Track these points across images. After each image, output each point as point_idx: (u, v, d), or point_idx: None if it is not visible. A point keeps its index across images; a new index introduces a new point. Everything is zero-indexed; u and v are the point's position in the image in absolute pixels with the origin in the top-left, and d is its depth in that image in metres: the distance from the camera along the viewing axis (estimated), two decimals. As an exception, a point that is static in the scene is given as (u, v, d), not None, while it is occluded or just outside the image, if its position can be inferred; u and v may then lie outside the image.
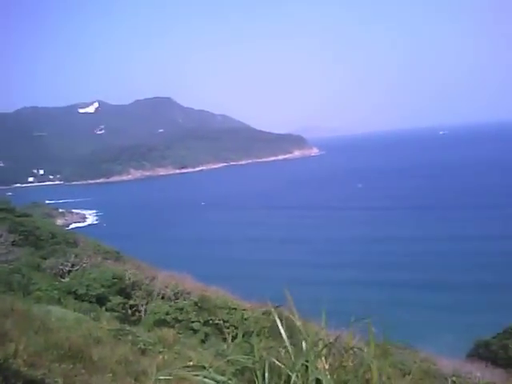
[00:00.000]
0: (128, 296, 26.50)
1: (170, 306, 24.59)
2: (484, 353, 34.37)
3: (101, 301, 24.74)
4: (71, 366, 7.46)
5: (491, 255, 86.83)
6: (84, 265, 28.93)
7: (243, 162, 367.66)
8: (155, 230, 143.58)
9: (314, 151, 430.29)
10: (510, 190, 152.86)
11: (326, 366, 3.98)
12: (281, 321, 4.36)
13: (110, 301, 24.82)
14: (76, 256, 30.26)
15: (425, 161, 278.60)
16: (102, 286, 25.41)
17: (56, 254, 31.79)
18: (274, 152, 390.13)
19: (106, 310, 23.54)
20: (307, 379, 3.76)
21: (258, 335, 4.24)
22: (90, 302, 23.94)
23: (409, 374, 4.49)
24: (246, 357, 4.11)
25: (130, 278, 27.95)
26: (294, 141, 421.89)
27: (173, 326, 21.65)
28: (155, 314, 23.93)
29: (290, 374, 3.75)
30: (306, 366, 3.81)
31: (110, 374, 7.76)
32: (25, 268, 25.49)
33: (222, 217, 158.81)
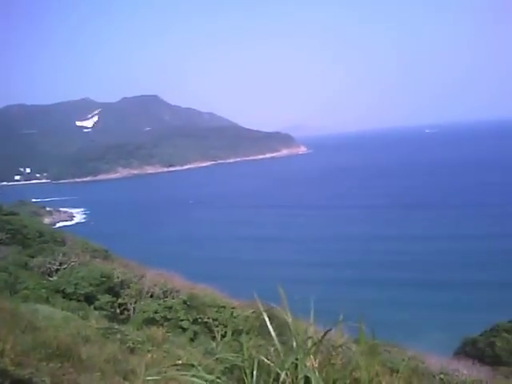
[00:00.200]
0: (116, 295, 26.41)
1: (159, 305, 24.53)
2: (471, 350, 34.65)
3: (89, 299, 24.64)
4: (59, 364, 7.41)
5: (485, 253, 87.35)
6: (72, 263, 28.78)
7: (231, 161, 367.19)
8: (143, 228, 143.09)
9: (302, 150, 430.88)
10: (503, 189, 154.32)
11: (315, 364, 4.00)
12: (271, 319, 4.38)
13: (98, 299, 24.73)
14: (64, 254, 30.10)
15: (413, 159, 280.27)
16: (91, 284, 25.31)
17: (44, 252, 31.62)
18: (261, 150, 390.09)
19: (95, 308, 23.46)
20: (296, 377, 3.77)
21: (247, 333, 4.25)
22: (79, 300, 23.84)
23: (397, 372, 4.49)
24: (235, 355, 4.12)
25: (118, 277, 27.85)
26: (281, 139, 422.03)
27: (162, 325, 21.58)
28: (144, 312, 23.87)
29: (279, 371, 3.77)
30: (296, 364, 3.82)
31: (99, 373, 7.73)
32: (12, 267, 25.33)
33: (210, 215, 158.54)
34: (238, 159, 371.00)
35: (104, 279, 26.34)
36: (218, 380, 3.98)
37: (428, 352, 25.17)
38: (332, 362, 4.14)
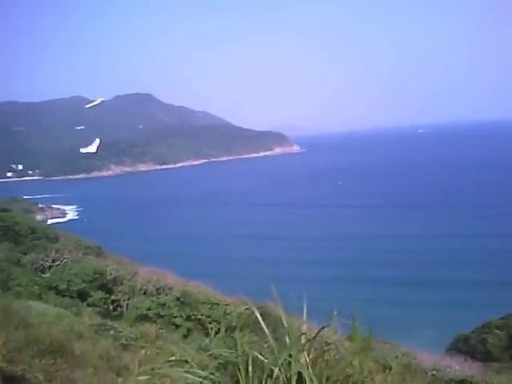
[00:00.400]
0: (110, 291, 26.38)
1: (152, 302, 24.50)
2: (463, 347, 34.89)
3: (82, 296, 24.61)
4: (52, 361, 7.39)
5: (479, 252, 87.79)
6: (65, 260, 28.73)
7: (224, 159, 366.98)
8: (135, 226, 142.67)
9: (295, 148, 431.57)
10: (497, 189, 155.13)
11: (309, 360, 4.03)
12: (265, 316, 4.40)
13: (91, 296, 24.70)
14: (57, 251, 30.04)
15: (404, 159, 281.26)
16: (84, 281, 25.26)
17: (36, 249, 31.51)
18: (254, 149, 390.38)
19: (88, 305, 23.43)
20: (289, 373, 3.79)
21: (240, 330, 4.27)
22: (71, 297, 23.80)
23: (389, 369, 4.53)
24: (229, 351, 4.14)
25: (111, 274, 27.81)
26: (274, 138, 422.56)
27: (155, 321, 21.58)
28: (137, 309, 23.84)
29: (273, 368, 3.79)
30: (289, 360, 3.84)
31: (92, 369, 7.72)
32: (4, 263, 25.25)
33: (202, 213, 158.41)
34: (231, 158, 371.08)
35: (97, 276, 26.30)
36: (212, 376, 4.00)
37: (421, 349, 25.30)
38: (325, 358, 4.17)
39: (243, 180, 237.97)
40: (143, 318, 22.53)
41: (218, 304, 25.45)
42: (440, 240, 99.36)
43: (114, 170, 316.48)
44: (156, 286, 27.78)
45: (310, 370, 3.79)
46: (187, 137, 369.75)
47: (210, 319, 23.57)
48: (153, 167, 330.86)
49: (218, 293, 29.79)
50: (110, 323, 14.18)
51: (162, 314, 23.51)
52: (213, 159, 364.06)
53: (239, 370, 3.94)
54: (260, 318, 4.38)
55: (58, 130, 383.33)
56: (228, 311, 24.33)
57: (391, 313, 60.98)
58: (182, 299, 24.83)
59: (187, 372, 4.07)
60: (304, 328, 4.39)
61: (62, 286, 24.23)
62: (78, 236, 49.71)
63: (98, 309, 23.19)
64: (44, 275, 26.92)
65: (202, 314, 24.04)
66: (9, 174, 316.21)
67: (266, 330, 4.32)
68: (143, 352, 10.93)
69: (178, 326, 22.85)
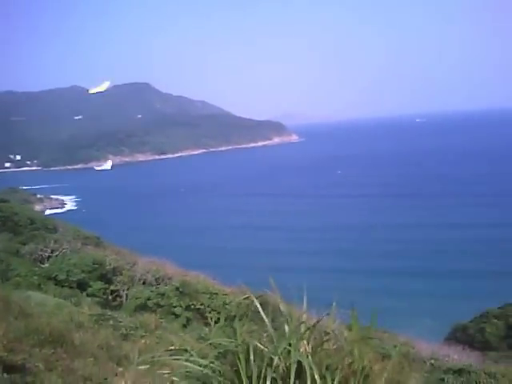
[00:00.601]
0: (109, 281, 26.41)
1: (152, 292, 24.57)
2: (461, 336, 35.06)
3: (81, 286, 24.64)
4: (52, 350, 7.42)
5: (479, 242, 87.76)
6: (64, 250, 28.73)
7: (223, 149, 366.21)
8: (134, 216, 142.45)
9: (294, 138, 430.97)
10: (498, 178, 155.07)
11: (308, 349, 4.04)
12: (264, 306, 4.40)
13: (90, 286, 24.74)
14: (55, 242, 30.03)
15: (403, 148, 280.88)
16: (83, 271, 25.29)
17: (35, 239, 31.52)
18: (253, 138, 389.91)
19: (87, 295, 23.48)
20: (289, 362, 3.80)
21: (240, 319, 4.27)
22: (71, 287, 23.84)
23: (388, 358, 4.55)
24: (229, 340, 4.15)
25: (110, 264, 27.82)
26: (273, 127, 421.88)
27: (154, 311, 21.64)
28: (136, 299, 23.90)
29: (273, 356, 3.80)
30: (289, 349, 3.85)
31: (92, 359, 7.75)
32: (3, 254, 25.27)
33: (201, 204, 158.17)
34: (230, 147, 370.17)
35: (96, 266, 26.33)
36: (212, 364, 4.01)
37: (419, 338, 25.41)
38: (325, 347, 4.18)
39: (242, 170, 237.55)
40: (143, 308, 22.60)
41: (217, 294, 25.52)
42: (439, 230, 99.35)
43: (113, 160, 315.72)
44: (155, 275, 27.83)
45: (310, 358, 3.80)
46: (186, 126, 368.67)
47: (210, 309, 23.65)
48: (151, 157, 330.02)
49: (217, 283, 29.84)
50: (109, 313, 14.23)
51: (161, 303, 23.58)
52: (211, 149, 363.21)
53: (239, 358, 3.94)
54: (260, 307, 4.39)
55: (56, 120, 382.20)
56: (227, 301, 24.40)
57: (390, 302, 60.99)
58: (181, 289, 24.89)
59: (187, 361, 4.08)
60: (303, 317, 4.40)
61: (62, 277, 24.27)
62: (77, 226, 49.68)
63: (97, 299, 23.25)
64: (43, 265, 26.95)
65: (201, 304, 24.11)
66: (7, 165, 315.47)
67: (266, 318, 4.33)
68: (143, 341, 10.97)
69: (177, 316, 22.92)
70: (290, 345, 3.86)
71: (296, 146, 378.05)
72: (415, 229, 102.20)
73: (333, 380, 3.76)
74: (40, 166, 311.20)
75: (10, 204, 45.71)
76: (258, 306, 4.38)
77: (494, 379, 14.03)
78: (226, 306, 23.35)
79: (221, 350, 4.14)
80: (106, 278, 26.57)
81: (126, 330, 11.98)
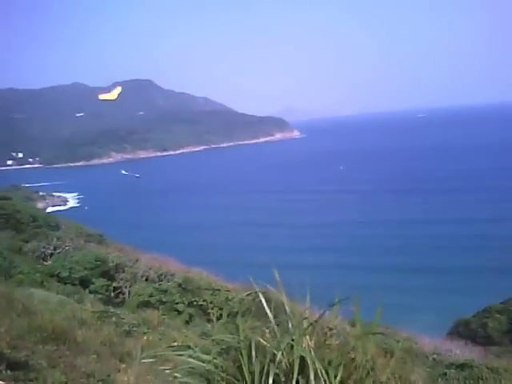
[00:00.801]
0: (111, 278, 26.42)
1: (154, 288, 24.59)
2: (464, 331, 35.08)
3: (84, 283, 24.65)
4: (55, 347, 7.44)
5: (477, 238, 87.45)
6: (66, 248, 28.74)
7: (224, 145, 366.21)
8: (136, 213, 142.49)
9: (296, 134, 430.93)
10: (497, 173, 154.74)
11: (311, 345, 4.04)
12: (266, 302, 4.40)
13: (93, 283, 24.75)
14: (58, 239, 30.03)
15: (405, 144, 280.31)
16: (85, 268, 25.29)
17: (38, 237, 31.52)
18: (255, 135, 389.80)
19: (90, 292, 23.48)
20: (292, 357, 3.80)
21: (242, 316, 4.27)
22: (73, 284, 23.85)
23: (391, 353, 4.56)
24: (231, 336, 4.15)
25: (113, 261, 27.84)
26: (275, 123, 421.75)
27: (157, 308, 21.70)
28: (139, 295, 23.93)
29: (275, 352, 3.80)
30: (291, 345, 3.85)
31: (95, 356, 7.76)
32: (6, 251, 25.26)
33: (202, 200, 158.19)
34: (232, 144, 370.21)
35: (99, 263, 26.33)
36: (214, 360, 4.01)
37: (422, 333, 25.43)
38: (328, 342, 4.18)
39: (244, 167, 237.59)
40: (145, 305, 22.64)
41: (219, 290, 25.55)
42: (439, 225, 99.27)
43: (115, 157, 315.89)
44: (158, 272, 27.83)
45: (313, 353, 3.80)
46: (188, 123, 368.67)
47: (212, 305, 23.67)
48: (153, 154, 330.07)
49: (219, 279, 29.87)
50: (112, 310, 14.25)
51: (163, 300, 23.61)
52: (213, 145, 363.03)
53: (241, 354, 3.95)
54: (264, 302, 4.40)
55: (58, 117, 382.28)
56: (230, 297, 24.43)
57: (392, 298, 60.99)
58: (183, 285, 24.93)
59: (190, 357, 4.08)
60: (306, 313, 4.40)
61: (64, 274, 24.29)
62: (80, 224, 49.70)
63: (100, 296, 23.25)
64: (46, 263, 26.98)
65: (203, 300, 24.14)
66: (9, 162, 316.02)
67: (270, 314, 4.34)
68: (146, 338, 10.99)
69: (179, 312, 22.95)
70: (292, 340, 3.87)
71: (298, 142, 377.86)
72: (416, 224, 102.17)
73: (336, 375, 3.76)
74: (42, 163, 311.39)
75: (13, 201, 45.70)
76: (263, 301, 4.39)
77: (496, 374, 14.05)
78: (229, 303, 23.39)
79: (223, 346, 4.15)
80: (108, 275, 26.58)
81: (129, 326, 12.01)
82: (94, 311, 12.91)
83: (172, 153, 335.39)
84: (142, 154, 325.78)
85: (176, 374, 4.16)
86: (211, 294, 24.81)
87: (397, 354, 4.74)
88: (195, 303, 23.96)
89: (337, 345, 4.19)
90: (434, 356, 18.88)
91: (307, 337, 4.06)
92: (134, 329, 11.98)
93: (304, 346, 3.95)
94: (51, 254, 28.06)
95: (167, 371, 4.65)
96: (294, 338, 3.90)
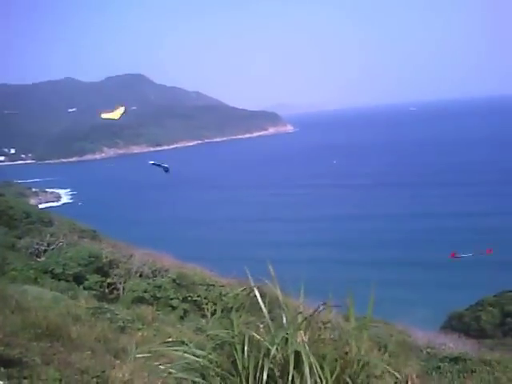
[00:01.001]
0: (105, 274, 26.36)
1: (148, 284, 24.57)
2: (457, 324, 35.33)
3: (78, 279, 24.59)
4: (49, 344, 7.42)
5: (472, 231, 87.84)
6: (60, 244, 28.65)
7: (218, 140, 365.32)
8: (130, 209, 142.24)
9: (289, 128, 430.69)
10: (488, 167, 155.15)
11: (305, 339, 4.05)
12: (261, 296, 4.40)
13: (87, 279, 24.70)
14: (51, 235, 29.94)
15: (397, 137, 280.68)
16: (79, 264, 25.23)
17: (31, 233, 31.43)
18: (248, 129, 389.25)
19: (84, 288, 23.43)
20: (286, 352, 3.81)
21: (237, 311, 4.27)
22: (67, 280, 23.78)
23: (385, 347, 4.58)
24: (226, 331, 4.15)
25: (107, 257, 27.77)
26: (268, 118, 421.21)
27: (151, 304, 21.68)
28: (133, 291, 23.90)
29: (270, 347, 3.80)
30: (286, 339, 3.86)
31: (89, 352, 7.74)
32: (-1, 248, 25.17)
33: (196, 196, 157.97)
34: (225, 138, 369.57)
35: (92, 259, 26.27)
36: (209, 356, 4.02)
37: (415, 327, 25.55)
38: (322, 337, 4.19)
39: (237, 161, 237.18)
40: (140, 301, 22.61)
41: (214, 285, 25.57)
42: (433, 219, 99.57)
43: (107, 152, 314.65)
44: (152, 268, 27.79)
45: (307, 348, 3.80)
46: (181, 118, 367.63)
47: (207, 300, 23.69)
48: (146, 149, 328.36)
49: (214, 274, 29.88)
50: (106, 306, 14.23)
51: (158, 296, 23.60)
52: (206, 140, 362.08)
53: (236, 349, 3.95)
54: (259, 297, 4.40)
55: (50, 113, 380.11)
56: (224, 292, 24.46)
57: (386, 292, 61.15)
58: (178, 281, 24.92)
59: (184, 352, 4.09)
60: (301, 308, 4.41)
61: (58, 270, 24.21)
62: (73, 220, 49.55)
63: (94, 292, 23.22)
64: (39, 259, 26.89)
65: (198, 296, 24.16)
66: (1, 158, 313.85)
67: (264, 309, 4.34)
68: (140, 334, 10.98)
69: (174, 308, 22.96)
70: (287, 335, 3.87)
71: (291, 136, 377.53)
72: (409, 218, 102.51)
73: (330, 369, 3.77)
74: (35, 159, 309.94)
75: (5, 198, 45.55)
76: (258, 296, 4.39)
77: (489, 366, 14.14)
78: (223, 298, 23.40)
79: (218, 342, 4.15)
80: (102, 271, 26.52)
81: (123, 322, 11.99)
82: (88, 307, 12.88)
83: (165, 148, 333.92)
84: (135, 149, 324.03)
85: (171, 370, 4.16)
86: (206, 290, 24.83)
87: (390, 347, 4.76)
88: (190, 299, 23.97)
89: (331, 339, 4.20)
90: (428, 349, 18.99)
91: (302, 331, 4.07)
92: (129, 325, 11.96)
93: (298, 340, 3.96)
94: (45, 251, 27.97)
95: (162, 367, 4.65)
96: (288, 332, 3.91)
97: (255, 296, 4.44)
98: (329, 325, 4.35)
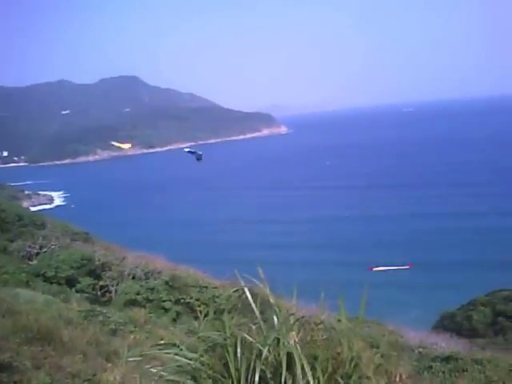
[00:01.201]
0: (98, 277, 26.27)
1: (141, 286, 24.49)
2: (449, 324, 35.45)
3: (70, 282, 24.49)
4: (40, 348, 7.37)
5: (469, 232, 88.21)
6: (52, 247, 28.53)
7: (212, 141, 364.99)
8: (122, 211, 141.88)
9: (283, 129, 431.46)
10: (486, 167, 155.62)
11: (297, 340, 4.03)
12: (253, 298, 4.39)
13: (79, 282, 24.60)
14: (44, 238, 29.81)
15: (391, 138, 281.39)
16: (71, 267, 25.12)
17: (23, 236, 31.26)
18: (242, 131, 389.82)
19: (76, 291, 23.33)
20: (278, 353, 3.80)
21: (229, 312, 4.25)
22: (59, 283, 23.68)
23: (377, 347, 4.58)
24: (218, 333, 4.13)
25: (99, 259, 27.68)
26: (262, 119, 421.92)
27: (144, 306, 21.61)
28: (126, 294, 23.82)
29: (262, 348, 3.79)
30: (278, 340, 3.85)
31: (81, 355, 7.70)
32: (-10, 251, 25.04)
33: (189, 198, 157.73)
34: (219, 140, 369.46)
35: (85, 262, 26.16)
36: (201, 358, 4.00)
37: (407, 327, 25.59)
38: (314, 338, 4.18)
39: (231, 162, 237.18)
40: (132, 303, 22.54)
41: (206, 287, 25.52)
42: (430, 220, 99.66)
43: (101, 154, 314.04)
44: (144, 270, 27.70)
45: (299, 349, 3.79)
46: (174, 119, 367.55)
47: (199, 302, 23.66)
48: (140, 151, 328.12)
49: (207, 276, 29.82)
50: (98, 309, 14.16)
51: (150, 298, 23.53)
52: (200, 142, 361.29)
53: (228, 351, 3.94)
54: (251, 298, 4.39)
55: (43, 115, 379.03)
56: (217, 294, 24.41)
57: (379, 293, 61.27)
58: (170, 283, 24.86)
59: (176, 355, 4.07)
60: (293, 309, 4.40)
61: (50, 273, 24.10)
62: (65, 222, 49.32)
63: (86, 295, 23.11)
64: (31, 262, 26.77)
65: (190, 298, 24.11)
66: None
67: (256, 310, 4.33)
68: (132, 337, 10.94)
69: (167, 310, 22.90)
70: (279, 336, 3.86)
71: (285, 137, 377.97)
72: (405, 219, 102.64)
73: (322, 370, 3.76)
74: (27, 161, 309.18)
75: (-3, 201, 45.30)
76: (250, 297, 4.38)
77: (480, 365, 14.19)
78: (216, 299, 23.34)
79: (210, 344, 4.13)
80: (94, 274, 26.43)
81: (116, 325, 11.94)
82: (81, 310, 12.82)
83: (159, 149, 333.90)
84: (129, 151, 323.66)
85: (163, 373, 4.14)
86: (198, 291, 24.78)
87: (382, 348, 4.77)
88: (182, 301, 23.92)
89: (323, 340, 4.19)
90: (420, 349, 19.02)
91: (294, 332, 4.06)
92: (121, 327, 11.92)
93: (290, 341, 3.94)
94: (37, 254, 27.85)
95: (154, 370, 4.62)
96: (280, 333, 3.89)
97: (247, 297, 4.43)
98: (321, 326, 4.34)
